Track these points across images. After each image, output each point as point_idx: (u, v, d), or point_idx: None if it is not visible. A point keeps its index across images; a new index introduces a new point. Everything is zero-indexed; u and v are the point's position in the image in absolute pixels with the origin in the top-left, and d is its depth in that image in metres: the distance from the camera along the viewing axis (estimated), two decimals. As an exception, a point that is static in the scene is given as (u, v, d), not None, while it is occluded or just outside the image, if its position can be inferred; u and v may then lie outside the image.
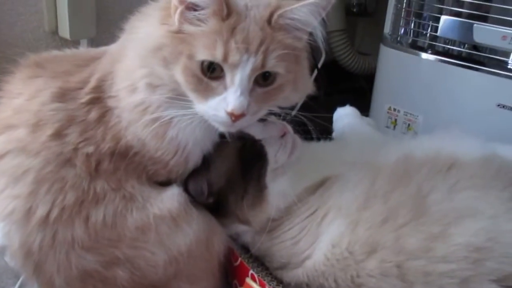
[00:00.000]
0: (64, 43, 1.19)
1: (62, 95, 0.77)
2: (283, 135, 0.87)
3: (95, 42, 1.19)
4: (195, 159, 0.81)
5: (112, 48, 0.83)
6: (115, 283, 0.76)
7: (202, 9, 0.70)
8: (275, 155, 0.85)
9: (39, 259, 0.74)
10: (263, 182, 0.84)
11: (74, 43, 1.18)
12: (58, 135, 0.75)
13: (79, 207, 0.74)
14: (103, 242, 0.75)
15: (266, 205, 0.83)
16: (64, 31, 1.17)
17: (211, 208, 0.84)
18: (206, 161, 0.83)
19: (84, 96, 0.77)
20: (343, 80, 1.89)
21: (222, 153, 0.83)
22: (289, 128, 0.88)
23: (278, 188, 0.84)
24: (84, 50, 0.89)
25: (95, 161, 0.75)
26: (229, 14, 0.70)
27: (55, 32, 1.19)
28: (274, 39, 0.72)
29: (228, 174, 0.83)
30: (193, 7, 0.71)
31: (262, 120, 0.87)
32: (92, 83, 0.78)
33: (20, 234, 0.73)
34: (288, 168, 0.85)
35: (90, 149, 0.75)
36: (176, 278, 0.79)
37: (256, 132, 0.86)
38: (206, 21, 0.71)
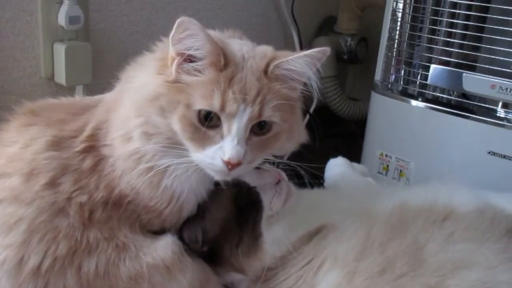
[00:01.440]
0: (60, 89, 1.20)
1: (57, 144, 0.77)
2: (277, 182, 0.87)
3: (90, 88, 1.20)
4: (189, 207, 0.81)
5: (107, 97, 0.84)
6: None
7: (200, 60, 0.72)
8: (270, 202, 0.85)
9: None
10: (258, 230, 0.83)
11: (69, 89, 1.19)
12: (52, 184, 0.74)
13: (71, 257, 0.73)
14: None
15: (261, 253, 0.82)
16: (60, 77, 1.18)
17: (205, 256, 0.83)
18: (201, 209, 0.82)
19: (79, 145, 0.77)
20: (334, 125, 1.91)
21: (217, 200, 0.83)
22: (283, 175, 0.89)
23: (273, 236, 0.83)
24: (79, 98, 0.90)
25: (88, 210, 0.74)
26: (226, 65, 0.71)
27: (51, 78, 1.20)
28: (271, 89, 0.73)
29: (223, 222, 0.83)
30: (190, 59, 0.72)
31: (256, 167, 0.87)
32: (87, 131, 0.78)
33: (11, 284, 0.72)
34: (282, 216, 0.85)
35: (84, 198, 0.74)
36: None
37: (251, 179, 0.86)
38: (203, 72, 0.72)
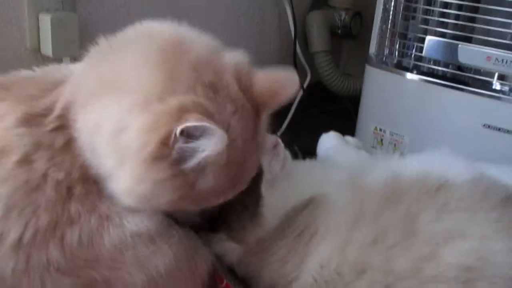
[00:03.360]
0: (46, 61, 1.16)
1: (28, 121, 0.73)
2: (274, 147, 0.87)
3: (78, 60, 1.17)
4: None
5: (75, 71, 0.80)
6: None
7: None
8: (269, 164, 0.85)
9: (12, 285, 0.70)
10: (260, 192, 0.83)
11: (56, 61, 1.15)
12: (24, 161, 0.71)
13: (53, 229, 0.70)
14: (80, 263, 0.71)
15: (262, 218, 0.81)
16: (46, 49, 1.15)
17: (201, 225, 0.82)
18: None
19: (49, 125, 0.73)
20: (328, 101, 1.89)
21: None
22: (279, 140, 0.88)
23: (272, 201, 0.82)
24: (51, 69, 0.86)
25: (66, 187, 0.72)
26: None
27: (37, 50, 1.17)
28: None
29: None
30: None
31: None
32: (56, 111, 0.74)
33: None
34: (277, 183, 0.84)
35: (61, 175, 0.72)
36: None
37: None
38: None
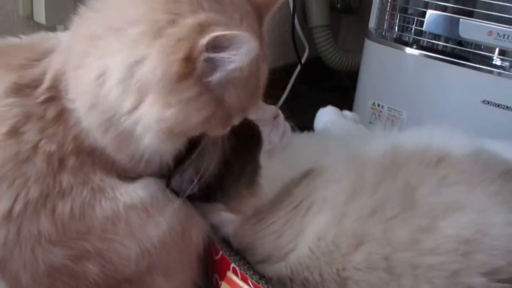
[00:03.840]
0: (39, 29, 1.13)
1: (17, 91, 0.71)
2: (274, 118, 0.86)
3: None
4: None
5: (64, 40, 0.78)
6: (86, 277, 0.72)
7: None
8: (268, 134, 0.84)
9: (3, 256, 0.69)
10: (258, 161, 0.82)
11: (50, 29, 1.13)
12: (14, 132, 0.69)
13: (44, 200, 0.69)
14: (71, 234, 0.70)
15: (259, 187, 0.81)
16: (40, 16, 1.12)
17: (198, 195, 0.81)
18: (196, 150, 0.79)
19: (40, 96, 0.71)
20: (326, 77, 1.88)
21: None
22: (279, 111, 0.87)
23: (270, 172, 0.82)
24: (39, 38, 0.83)
25: (58, 160, 0.70)
26: None
27: (30, 17, 1.14)
28: None
29: (223, 155, 0.80)
30: None
31: None
32: (47, 82, 0.72)
33: None
34: (276, 154, 0.84)
35: (53, 147, 0.70)
36: (150, 271, 0.75)
37: None
38: None
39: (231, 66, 0.60)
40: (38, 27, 1.15)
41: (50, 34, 0.83)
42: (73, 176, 0.71)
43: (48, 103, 0.71)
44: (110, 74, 0.64)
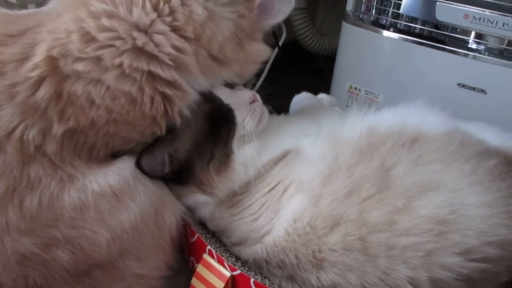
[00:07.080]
0: (10, 8, 1.10)
1: None
2: (252, 102, 0.85)
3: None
4: None
5: (49, 11, 0.76)
6: (56, 264, 0.70)
7: None
8: (243, 120, 0.83)
9: None
10: (230, 146, 0.81)
11: (21, 7, 1.09)
12: None
13: (11, 195, 0.68)
14: (39, 223, 0.69)
15: (231, 172, 0.80)
16: (11, -6, 1.09)
17: (171, 177, 0.80)
18: (169, 131, 0.78)
19: (30, 72, 0.68)
20: (303, 61, 1.87)
21: (187, 118, 0.79)
22: (258, 96, 0.86)
23: (243, 157, 0.81)
24: (14, 15, 0.79)
25: (35, 146, 0.69)
26: None
27: (0, -4, 1.10)
28: None
29: (195, 138, 0.80)
30: None
31: (231, 86, 0.85)
32: (39, 56, 0.69)
33: None
34: (254, 138, 0.82)
35: (32, 133, 0.68)
36: (122, 256, 0.75)
37: (225, 96, 0.83)
38: None
39: None
40: (8, 6, 1.12)
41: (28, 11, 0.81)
42: (42, 166, 0.69)
43: (42, 81, 0.69)
44: None
